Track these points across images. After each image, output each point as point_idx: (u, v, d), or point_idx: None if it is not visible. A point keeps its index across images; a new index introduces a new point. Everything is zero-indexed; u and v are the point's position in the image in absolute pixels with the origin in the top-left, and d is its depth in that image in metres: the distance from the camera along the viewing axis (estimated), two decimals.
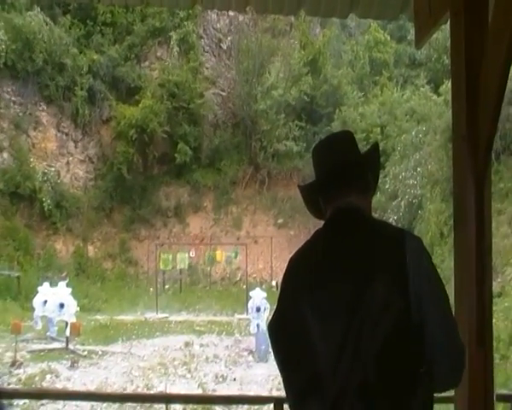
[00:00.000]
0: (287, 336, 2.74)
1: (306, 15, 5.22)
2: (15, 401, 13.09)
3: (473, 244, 3.16)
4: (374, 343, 2.46)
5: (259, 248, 35.94)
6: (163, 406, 12.24)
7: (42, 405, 13.78)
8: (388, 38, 46.53)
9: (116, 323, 25.09)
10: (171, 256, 31.43)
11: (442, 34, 31.29)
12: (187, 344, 21.17)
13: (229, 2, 4.71)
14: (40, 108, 37.09)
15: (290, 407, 2.79)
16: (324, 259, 2.68)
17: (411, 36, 46.02)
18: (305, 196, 2.99)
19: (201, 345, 21.36)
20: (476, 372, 3.13)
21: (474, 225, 3.15)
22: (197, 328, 24.32)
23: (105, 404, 13.91)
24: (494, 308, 3.34)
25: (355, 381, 2.47)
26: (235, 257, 32.63)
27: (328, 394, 2.52)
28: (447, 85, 36.97)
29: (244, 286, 31.08)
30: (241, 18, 43.37)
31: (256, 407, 13.22)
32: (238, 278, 35.00)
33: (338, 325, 2.53)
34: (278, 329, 2.79)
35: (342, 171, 2.77)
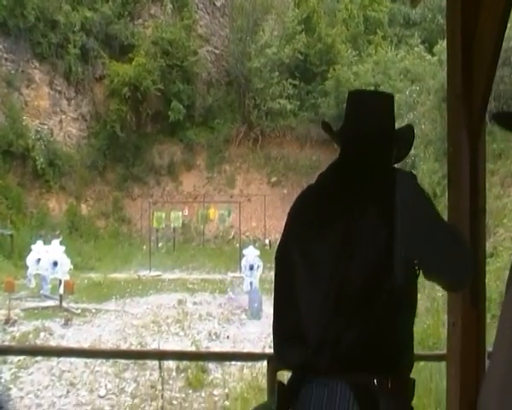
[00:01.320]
0: (281, 276, 2.79)
1: None
2: (10, 358, 13.28)
3: (466, 204, 3.16)
4: (354, 283, 2.48)
5: (252, 206, 36.03)
6: (156, 362, 12.43)
7: (36, 362, 13.79)
8: None
9: (109, 281, 25.09)
10: (164, 214, 31.48)
11: None
12: (180, 302, 21.11)
13: None
14: (32, 66, 36.78)
15: (274, 348, 2.82)
16: (319, 202, 2.73)
17: None
18: (327, 132, 3.01)
19: (194, 303, 21.31)
20: (469, 332, 3.15)
21: (468, 184, 3.14)
22: (190, 286, 24.29)
23: (99, 361, 13.95)
24: (486, 269, 3.36)
25: (337, 325, 2.48)
26: (229, 215, 32.65)
27: (311, 340, 2.53)
28: (441, 45, 36.80)
29: (237, 244, 31.14)
30: None
31: (249, 364, 13.39)
32: (231, 237, 35.16)
33: (324, 269, 2.55)
34: (276, 264, 2.82)
35: (367, 140, 2.77)
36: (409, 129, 2.97)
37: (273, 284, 2.82)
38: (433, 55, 37.36)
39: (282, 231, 2.87)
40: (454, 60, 3.36)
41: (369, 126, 2.77)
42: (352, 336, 2.46)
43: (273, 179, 38.86)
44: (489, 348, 2.82)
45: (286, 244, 2.77)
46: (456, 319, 3.20)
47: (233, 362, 13.49)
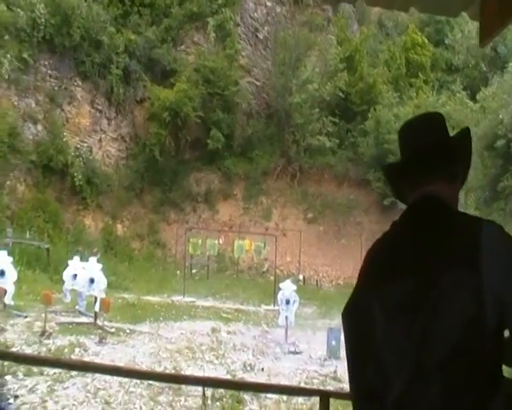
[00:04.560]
0: (355, 330, 2.65)
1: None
2: (46, 370, 13.18)
3: None
4: (437, 350, 2.30)
5: (288, 241, 35.86)
6: (191, 388, 12.29)
7: (71, 377, 13.64)
8: (426, 41, 46.29)
9: (143, 303, 25.03)
10: (200, 241, 31.48)
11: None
12: (214, 330, 21.03)
13: None
14: (75, 84, 37.06)
15: (353, 403, 2.66)
16: (396, 252, 2.55)
17: (449, 40, 46.66)
18: (388, 177, 2.85)
19: (229, 332, 21.23)
20: None
21: None
22: (224, 315, 24.22)
23: (133, 382, 13.79)
24: None
25: (418, 387, 2.32)
26: (264, 248, 32.52)
27: (390, 398, 2.40)
28: (484, 92, 36.92)
29: (271, 277, 31.06)
30: (278, 9, 43.55)
31: (284, 398, 13.21)
32: (265, 269, 35.04)
33: (401, 327, 2.39)
34: (349, 318, 2.69)
35: (428, 154, 2.58)
36: (463, 131, 2.76)
37: (344, 338, 2.69)
38: (475, 101, 37.41)
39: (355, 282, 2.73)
40: None
41: (425, 142, 2.59)
42: (435, 401, 2.30)
43: (309, 216, 38.77)
44: None
45: (363, 297, 2.62)
46: None
47: (269, 395, 13.30)
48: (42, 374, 13.14)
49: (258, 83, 42.57)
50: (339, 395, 6.38)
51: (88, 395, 13.37)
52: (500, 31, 3.94)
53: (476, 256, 2.28)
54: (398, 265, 2.49)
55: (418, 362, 2.31)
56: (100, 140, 37.63)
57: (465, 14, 4.34)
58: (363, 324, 2.56)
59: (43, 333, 17.91)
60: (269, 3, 43.77)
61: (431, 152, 2.58)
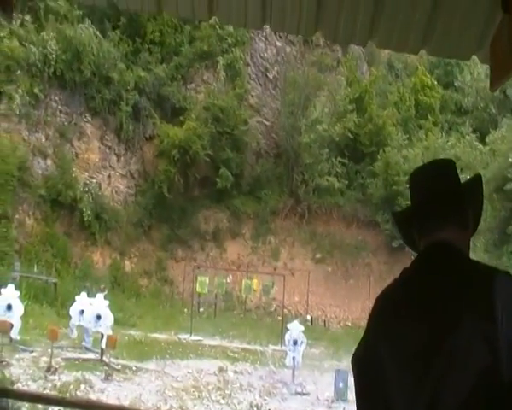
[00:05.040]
0: (365, 376, 2.59)
1: (326, 40, 4.95)
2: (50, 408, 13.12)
3: None
4: (450, 401, 2.23)
5: (296, 281, 35.71)
6: None
7: None
8: (435, 82, 46.44)
9: (150, 340, 24.99)
10: (208, 280, 31.36)
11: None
12: (221, 369, 20.95)
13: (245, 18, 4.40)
14: (85, 120, 37.27)
15: None
16: (408, 299, 2.50)
17: (458, 82, 46.88)
18: (398, 223, 2.83)
19: (235, 372, 21.17)
20: None
21: None
22: (231, 354, 24.15)
23: None
24: None
25: None
26: (272, 287, 32.42)
27: None
28: (493, 135, 36.97)
29: (279, 317, 31.00)
30: (288, 49, 43.84)
31: None
32: (273, 309, 34.89)
33: (413, 376, 2.34)
34: (359, 364, 2.64)
35: (438, 201, 2.57)
36: (475, 178, 2.77)
37: (354, 384, 2.65)
38: (484, 144, 37.47)
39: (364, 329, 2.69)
40: None
41: (435, 189, 2.57)
42: None
43: (318, 256, 38.67)
44: None
45: (374, 344, 2.56)
46: None
47: None
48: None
49: (267, 122, 42.72)
50: None
51: None
52: (511, 75, 3.93)
53: (490, 306, 2.24)
54: (411, 313, 2.44)
55: None
56: (109, 176, 37.72)
57: (475, 58, 4.33)
58: (374, 371, 2.50)
59: (48, 369, 17.92)
60: (279, 43, 44.06)
61: (442, 199, 2.57)
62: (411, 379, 2.33)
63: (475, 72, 43.54)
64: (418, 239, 2.65)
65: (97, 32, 36.88)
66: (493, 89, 4.15)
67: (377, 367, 2.47)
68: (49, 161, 34.99)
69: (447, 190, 2.58)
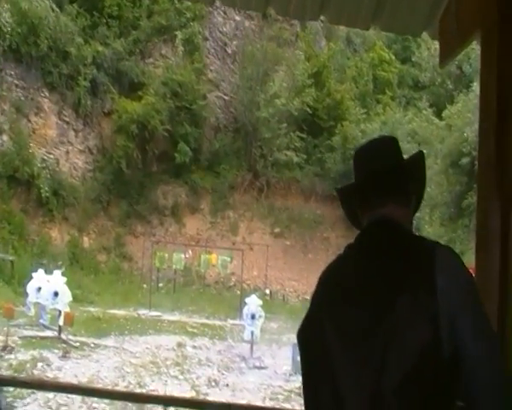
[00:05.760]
0: (309, 352, 2.62)
1: (277, 14, 5.00)
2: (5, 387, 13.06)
3: (496, 274, 2.93)
4: (393, 377, 2.25)
5: (255, 255, 35.83)
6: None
7: (33, 392, 13.58)
8: (393, 57, 46.69)
9: (108, 316, 24.93)
10: (166, 255, 31.32)
11: None
12: (179, 345, 21.02)
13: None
14: (42, 95, 36.75)
15: None
16: (349, 279, 2.52)
17: (416, 58, 47.14)
18: (341, 200, 2.84)
19: (194, 347, 21.22)
20: None
21: (499, 254, 2.92)
22: (190, 329, 24.21)
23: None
24: None
25: None
26: (230, 262, 32.33)
27: None
28: (450, 110, 37.26)
29: (238, 292, 31.08)
30: (246, 23, 43.66)
31: None
32: (232, 283, 34.93)
33: (356, 356, 2.36)
34: (303, 340, 2.66)
35: (379, 177, 2.57)
36: (417, 154, 2.74)
37: (300, 360, 2.66)
38: (441, 119, 37.74)
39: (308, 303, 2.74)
40: (487, 125, 3.14)
41: (377, 165, 2.58)
42: None
43: (276, 230, 38.80)
44: None
45: (317, 321, 2.57)
46: None
47: None
48: (1, 391, 12.97)
49: (225, 97, 42.58)
50: None
51: None
52: (459, 51, 3.95)
53: (431, 280, 2.27)
54: (353, 291, 2.46)
55: (374, 388, 2.27)
56: (67, 152, 37.28)
57: (427, 34, 4.38)
58: (318, 347, 2.52)
59: (4, 348, 17.78)
60: (237, 18, 43.84)
61: (382, 176, 2.57)
62: (354, 359, 2.35)
63: (432, 47, 43.64)
64: (361, 216, 2.67)
65: (54, 6, 36.30)
66: (442, 65, 4.20)
67: (322, 344, 2.48)
68: (5, 137, 34.41)
69: (387, 166, 2.58)
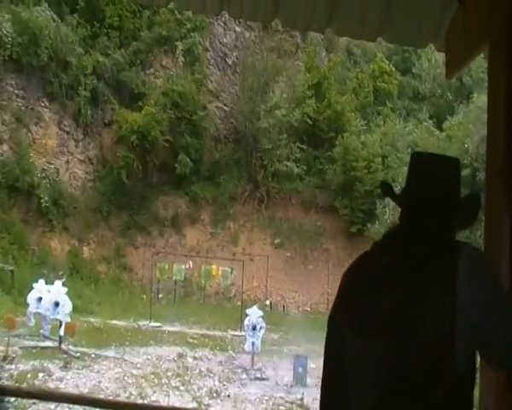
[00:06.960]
0: (332, 346, 2.65)
1: (284, 26, 5.00)
2: (7, 397, 12.98)
3: (506, 284, 2.85)
4: (411, 368, 2.29)
5: (255, 266, 35.70)
6: None
7: (34, 403, 13.47)
8: (393, 69, 46.70)
9: (109, 327, 24.85)
10: (167, 266, 31.23)
11: None
12: (180, 356, 20.93)
13: (203, 4, 4.40)
14: (42, 104, 36.89)
15: None
16: (373, 271, 2.56)
17: (416, 69, 47.16)
18: (387, 195, 2.91)
19: (195, 358, 21.11)
20: None
21: (508, 263, 2.92)
22: (190, 340, 24.10)
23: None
24: None
25: (389, 406, 2.34)
26: (231, 273, 32.27)
27: None
28: (450, 121, 37.24)
29: (238, 303, 30.95)
30: (247, 34, 43.75)
31: None
32: (232, 294, 34.79)
33: (375, 344, 2.40)
34: (329, 326, 2.69)
35: (433, 203, 2.59)
36: (475, 198, 2.74)
37: (324, 348, 2.69)
38: (441, 130, 37.69)
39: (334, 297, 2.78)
40: (495, 136, 3.14)
41: (432, 189, 2.60)
42: None
43: (276, 241, 38.69)
44: None
45: (339, 313, 2.65)
46: (491, 403, 2.97)
47: None
48: (2, 401, 12.91)
49: (226, 108, 42.63)
50: None
51: None
52: (466, 63, 3.96)
53: (450, 278, 2.30)
54: (375, 286, 2.49)
55: (390, 381, 2.31)
56: (67, 162, 37.33)
57: (433, 46, 4.37)
58: (338, 339, 2.57)
59: (5, 358, 17.68)
60: (238, 29, 43.93)
61: (437, 201, 2.59)
62: (372, 349, 2.39)
63: (433, 58, 43.78)
64: (401, 214, 2.72)
65: (54, 16, 36.47)
66: (449, 77, 4.20)
67: (342, 333, 2.54)
68: (5, 147, 34.54)
69: (442, 195, 2.61)
